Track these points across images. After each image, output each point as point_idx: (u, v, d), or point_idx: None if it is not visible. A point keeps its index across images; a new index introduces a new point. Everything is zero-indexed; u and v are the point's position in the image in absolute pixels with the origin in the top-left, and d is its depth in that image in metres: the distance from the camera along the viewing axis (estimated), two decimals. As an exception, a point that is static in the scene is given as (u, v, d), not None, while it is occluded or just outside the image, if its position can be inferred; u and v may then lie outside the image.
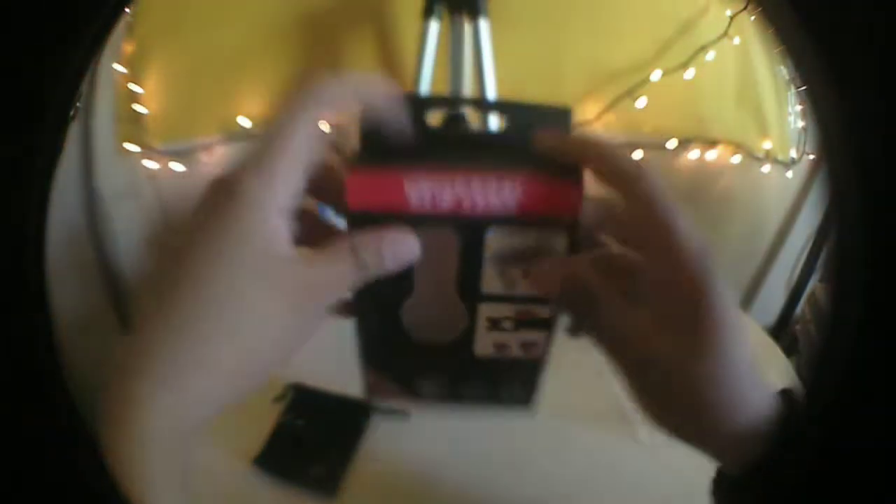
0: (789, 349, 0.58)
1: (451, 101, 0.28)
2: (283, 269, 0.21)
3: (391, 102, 0.24)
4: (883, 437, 0.15)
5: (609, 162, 0.24)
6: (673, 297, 0.23)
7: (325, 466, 0.40)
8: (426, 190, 0.24)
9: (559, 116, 0.26)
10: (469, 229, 0.25)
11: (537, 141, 0.24)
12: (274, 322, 0.21)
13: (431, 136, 0.26)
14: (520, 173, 0.24)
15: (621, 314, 0.25)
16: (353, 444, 0.42)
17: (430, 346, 0.29)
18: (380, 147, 0.24)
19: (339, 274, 0.23)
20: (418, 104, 0.25)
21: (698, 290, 0.22)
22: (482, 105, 0.25)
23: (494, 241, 0.25)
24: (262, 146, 0.21)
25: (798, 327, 1.05)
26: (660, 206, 0.23)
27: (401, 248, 0.24)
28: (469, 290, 0.27)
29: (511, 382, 0.32)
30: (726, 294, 0.23)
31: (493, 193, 0.24)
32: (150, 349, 0.19)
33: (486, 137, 0.28)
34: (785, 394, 0.24)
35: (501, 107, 0.28)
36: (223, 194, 0.21)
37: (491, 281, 0.27)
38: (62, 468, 0.16)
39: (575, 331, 0.28)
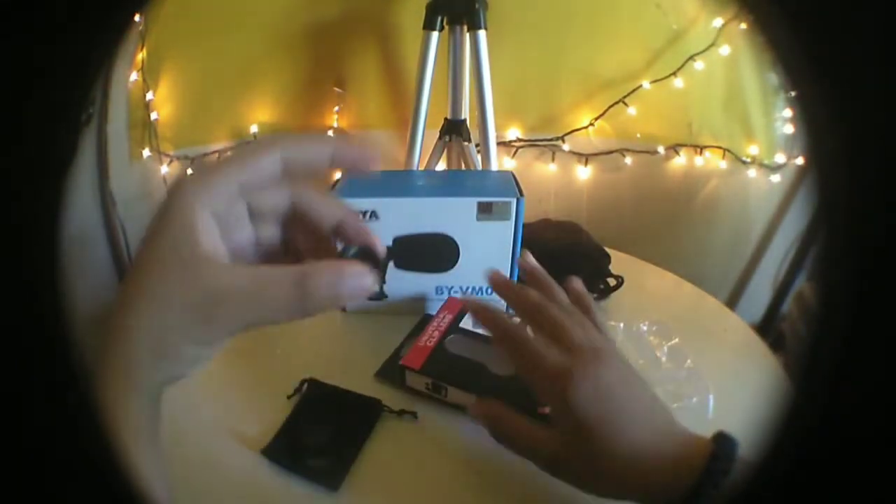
0: (776, 346, 0.60)
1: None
2: (196, 269, 0.22)
3: (360, 162, 0.27)
4: (874, 430, 0.15)
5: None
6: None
7: (331, 460, 0.41)
8: None
9: None
10: None
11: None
12: (185, 308, 0.21)
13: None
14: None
15: (530, 434, 0.34)
16: (361, 440, 0.43)
17: None
18: None
19: (272, 300, 0.22)
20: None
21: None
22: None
23: None
24: (211, 163, 0.25)
25: (785, 325, 1.08)
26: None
27: (358, 283, 0.24)
28: None
29: None
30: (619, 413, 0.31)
31: None
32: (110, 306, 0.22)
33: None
34: (717, 440, 0.30)
35: None
36: (169, 197, 0.23)
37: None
38: (74, 466, 0.16)
39: (497, 440, 0.36)
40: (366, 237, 0.29)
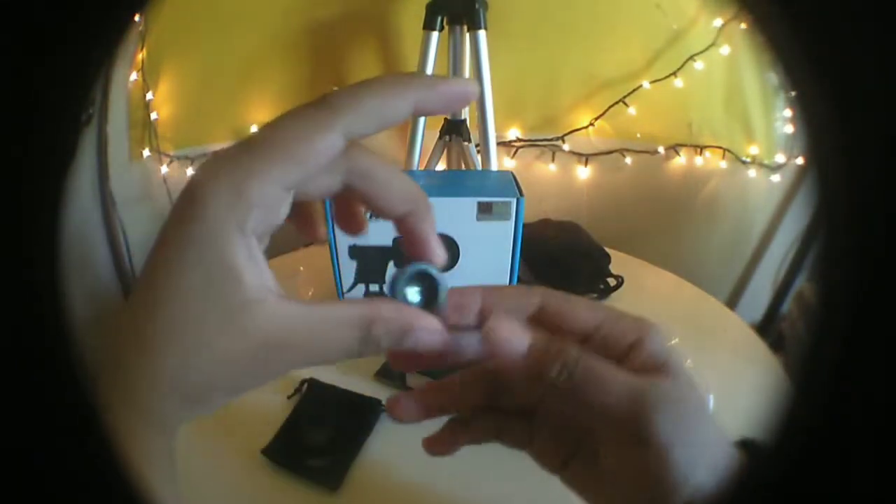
0: (776, 346, 0.60)
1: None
2: (241, 317, 0.18)
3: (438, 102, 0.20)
4: (874, 430, 0.15)
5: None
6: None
7: (330, 460, 0.41)
8: None
9: None
10: None
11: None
12: (229, 361, 0.18)
13: None
14: None
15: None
16: (360, 440, 0.43)
17: None
18: None
19: (329, 344, 0.19)
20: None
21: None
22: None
23: None
24: (242, 151, 0.18)
25: (785, 325, 1.08)
26: None
27: (429, 341, 0.21)
28: None
29: None
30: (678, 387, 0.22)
31: None
32: (110, 352, 0.18)
33: None
34: (745, 444, 0.24)
35: None
36: (188, 208, 0.17)
37: None
38: (74, 459, 0.16)
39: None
40: (425, 249, 0.23)
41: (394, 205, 0.22)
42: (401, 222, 0.22)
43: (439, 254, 0.23)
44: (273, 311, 0.18)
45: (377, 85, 0.19)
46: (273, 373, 0.19)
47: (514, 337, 0.22)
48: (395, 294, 0.22)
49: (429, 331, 0.21)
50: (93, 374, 0.17)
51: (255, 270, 0.18)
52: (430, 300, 0.23)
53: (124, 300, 0.85)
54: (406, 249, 0.23)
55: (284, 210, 0.20)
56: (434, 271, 0.23)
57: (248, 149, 0.18)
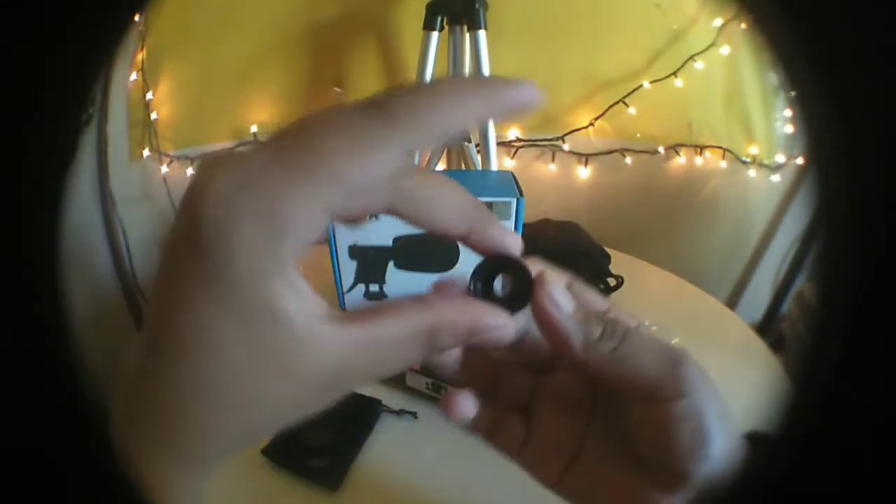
0: (776, 346, 0.60)
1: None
2: (291, 357, 0.16)
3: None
4: (874, 430, 0.15)
5: None
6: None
7: (330, 460, 0.41)
8: None
9: None
10: None
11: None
12: (280, 407, 0.16)
13: None
14: None
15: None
16: (360, 440, 0.43)
17: None
18: None
19: (391, 365, 0.18)
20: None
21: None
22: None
23: None
24: (274, 163, 0.15)
25: (785, 325, 1.08)
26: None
27: (498, 336, 0.19)
28: None
29: None
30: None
31: None
32: (136, 406, 0.17)
33: None
34: (751, 437, 0.24)
35: None
36: (211, 235, 0.14)
37: None
38: (74, 459, 0.15)
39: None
40: (500, 243, 0.21)
41: (448, 227, 0.20)
42: (465, 240, 0.21)
43: (517, 243, 0.21)
44: (327, 345, 0.16)
45: (437, 92, 0.16)
46: (328, 402, 0.18)
47: (565, 294, 0.22)
48: (476, 290, 0.21)
49: (499, 328, 0.19)
50: (113, 424, 0.17)
51: (296, 300, 0.15)
52: (520, 296, 0.21)
53: (124, 298, 0.86)
54: (483, 255, 0.22)
55: (321, 231, 0.17)
56: (518, 259, 0.21)
57: (282, 160, 0.15)
